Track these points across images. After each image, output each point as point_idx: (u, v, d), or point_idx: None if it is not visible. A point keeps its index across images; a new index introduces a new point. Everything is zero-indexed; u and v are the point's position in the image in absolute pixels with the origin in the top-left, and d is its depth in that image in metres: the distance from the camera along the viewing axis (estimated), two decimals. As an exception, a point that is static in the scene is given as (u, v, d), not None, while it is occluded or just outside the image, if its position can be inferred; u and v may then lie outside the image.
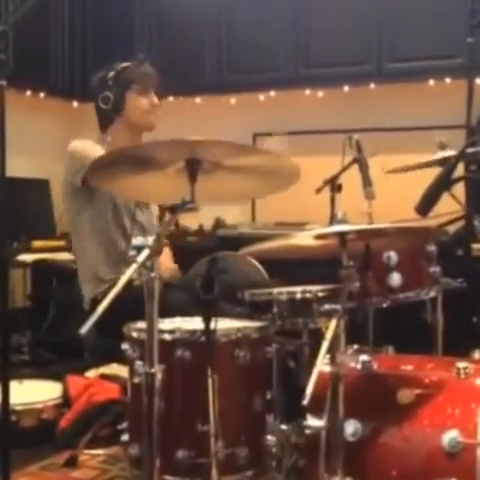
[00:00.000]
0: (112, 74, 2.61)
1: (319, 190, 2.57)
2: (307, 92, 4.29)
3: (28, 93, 4.49)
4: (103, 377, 3.20)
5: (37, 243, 4.17)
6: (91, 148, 2.53)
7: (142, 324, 1.70)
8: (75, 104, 4.90)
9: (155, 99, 2.65)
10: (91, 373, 3.29)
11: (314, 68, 4.13)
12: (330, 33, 4.05)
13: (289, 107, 4.38)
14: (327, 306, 1.72)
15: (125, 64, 2.64)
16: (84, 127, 5.07)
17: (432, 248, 2.17)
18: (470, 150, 2.28)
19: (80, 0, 4.72)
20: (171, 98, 4.59)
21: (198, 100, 4.61)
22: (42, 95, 4.58)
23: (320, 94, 4.28)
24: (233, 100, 4.51)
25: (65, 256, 4.20)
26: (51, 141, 4.89)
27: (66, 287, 4.27)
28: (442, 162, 2.31)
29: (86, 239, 2.57)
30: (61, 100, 4.79)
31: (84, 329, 1.38)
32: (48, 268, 4.19)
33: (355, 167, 2.53)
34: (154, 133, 3.87)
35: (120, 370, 2.80)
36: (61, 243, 4.37)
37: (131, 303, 1.60)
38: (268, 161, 1.74)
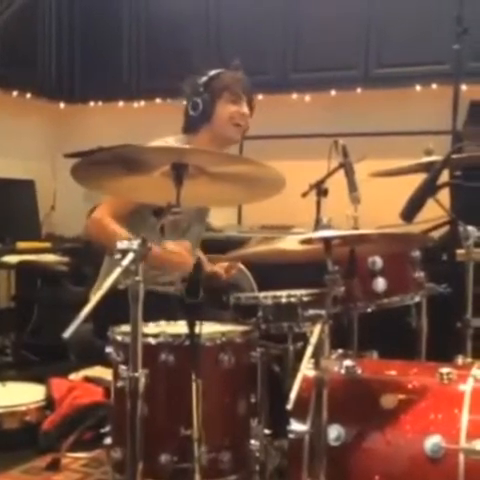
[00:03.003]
0: (204, 79, 2.51)
1: (305, 194, 2.57)
2: (294, 96, 4.29)
3: (15, 93, 4.47)
4: (87, 380, 3.19)
5: (22, 244, 4.15)
6: None
7: (127, 327, 1.69)
8: (62, 105, 4.88)
9: (245, 109, 2.53)
10: (75, 376, 3.28)
11: (302, 72, 4.14)
12: (318, 38, 4.06)
13: (276, 111, 4.38)
14: (312, 311, 1.72)
15: (219, 70, 2.55)
16: (71, 128, 5.09)
17: (416, 253, 2.18)
18: (455, 156, 2.30)
19: (67, 1, 4.70)
20: (158, 100, 4.59)
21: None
22: (29, 96, 4.56)
23: (307, 98, 4.29)
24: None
25: (50, 257, 4.19)
26: (37, 142, 4.87)
27: (50, 289, 4.26)
28: (427, 167, 2.32)
29: None
30: (48, 101, 4.77)
31: (67, 333, 1.38)
32: (33, 269, 4.16)
33: (341, 171, 2.54)
34: (144, 134, 3.84)
35: (104, 373, 2.79)
36: (46, 244, 4.36)
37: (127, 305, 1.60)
38: (253, 169, 1.74)
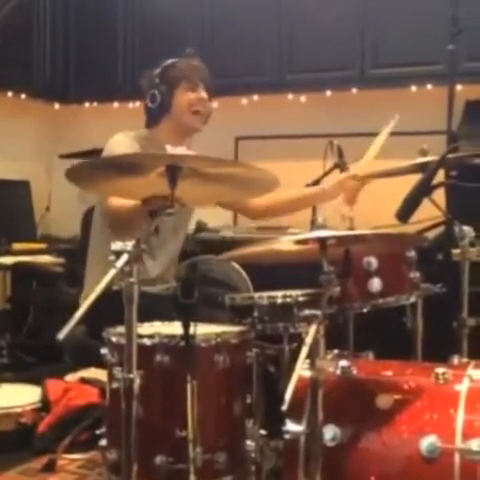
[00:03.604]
0: (159, 70, 2.48)
1: (301, 194, 2.57)
2: (290, 97, 4.29)
3: (9, 94, 4.46)
4: (82, 381, 3.18)
5: (17, 245, 4.14)
6: (123, 145, 2.38)
7: (122, 329, 1.69)
8: (57, 106, 4.87)
9: (203, 94, 2.49)
10: (70, 377, 3.27)
11: (297, 73, 4.13)
12: (313, 39, 4.06)
13: (272, 111, 4.38)
14: (307, 311, 1.71)
15: (173, 60, 2.52)
16: (65, 129, 5.08)
17: (412, 254, 2.18)
18: (450, 156, 2.30)
19: (62, 2, 4.69)
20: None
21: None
22: (23, 96, 4.55)
23: (302, 99, 4.29)
24: (216, 103, 4.50)
25: (45, 259, 4.18)
26: (32, 143, 4.86)
27: (46, 290, 4.25)
28: (422, 167, 2.32)
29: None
30: (43, 102, 4.77)
31: (61, 334, 1.37)
32: (28, 271, 4.16)
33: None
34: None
35: (100, 374, 2.78)
36: (41, 245, 4.35)
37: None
38: (247, 172, 1.73)
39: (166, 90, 2.46)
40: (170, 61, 2.53)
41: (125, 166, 1.67)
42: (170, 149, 2.20)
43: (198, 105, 2.49)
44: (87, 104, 4.83)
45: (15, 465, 2.75)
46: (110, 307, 1.59)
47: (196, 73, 2.51)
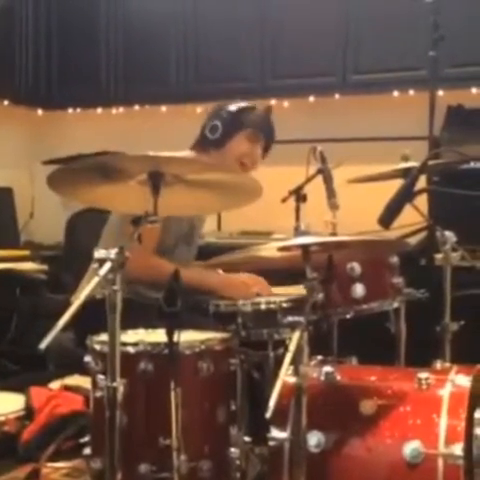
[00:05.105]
0: (235, 108, 2.49)
1: (285, 200, 2.58)
2: (273, 102, 4.30)
3: (-8, 100, 4.45)
4: (66, 388, 3.16)
5: (0, 252, 4.11)
6: None
7: (105, 336, 1.68)
8: (40, 112, 4.85)
9: (258, 151, 2.51)
10: (54, 384, 3.25)
11: (280, 78, 4.15)
12: (296, 44, 4.08)
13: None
14: (291, 318, 1.72)
15: (251, 106, 2.53)
16: (49, 135, 5.06)
17: (394, 259, 2.19)
18: (432, 162, 2.32)
19: (44, 7, 4.67)
20: (137, 106, 4.58)
21: (164, 109, 4.60)
22: (6, 103, 4.52)
23: (285, 104, 4.30)
24: (199, 109, 4.51)
25: (29, 265, 4.15)
26: (15, 149, 4.83)
27: (29, 297, 4.22)
28: (405, 173, 2.34)
29: None
30: (25, 108, 4.74)
31: (43, 344, 1.36)
32: (11, 277, 4.13)
33: (320, 177, 2.55)
34: (120, 140, 3.85)
35: (83, 381, 2.77)
36: (25, 252, 4.32)
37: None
38: (230, 177, 1.74)
39: (229, 129, 2.47)
40: (248, 105, 2.54)
41: (107, 170, 1.66)
42: None
43: (248, 159, 2.51)
44: (70, 110, 4.81)
45: (-1, 474, 2.73)
46: (99, 315, 1.59)
47: (265, 129, 2.53)
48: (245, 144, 2.49)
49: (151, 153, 2.23)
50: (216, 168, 1.90)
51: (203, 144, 2.53)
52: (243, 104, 2.54)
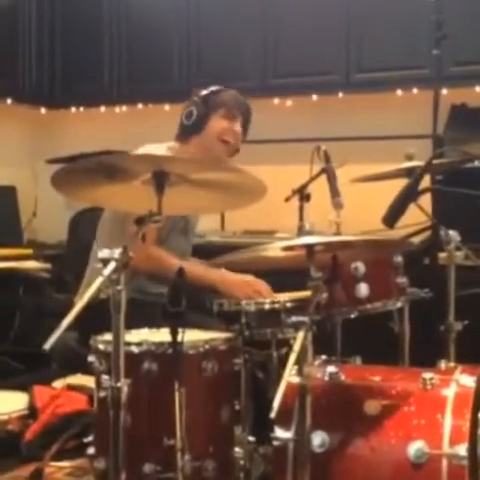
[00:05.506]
0: (205, 92, 2.52)
1: (288, 199, 2.58)
2: (276, 101, 4.30)
3: (-5, 99, 4.44)
4: (70, 388, 3.16)
5: (3, 251, 4.11)
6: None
7: (109, 336, 1.68)
8: (43, 111, 4.85)
9: (237, 127, 2.53)
10: (58, 383, 3.25)
11: (282, 77, 4.14)
12: (298, 43, 4.06)
13: (257, 116, 4.36)
14: (294, 318, 1.71)
15: (222, 88, 2.57)
16: (52, 134, 5.06)
17: (399, 259, 2.19)
18: (436, 161, 2.32)
19: (48, 6, 4.67)
20: (140, 105, 4.58)
21: (167, 107, 4.59)
22: (9, 101, 4.52)
23: (288, 103, 4.30)
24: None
25: (32, 264, 4.15)
26: (18, 148, 4.83)
27: (33, 296, 4.23)
28: (409, 172, 2.33)
29: None
30: (29, 107, 4.74)
31: (47, 345, 1.36)
32: (14, 276, 4.13)
33: (324, 176, 2.54)
34: (123, 139, 3.85)
35: (87, 380, 2.77)
36: (28, 251, 4.32)
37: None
38: (234, 177, 1.74)
39: (203, 111, 2.49)
40: (218, 88, 2.56)
41: (111, 170, 1.66)
42: None
43: (229, 135, 2.52)
44: (73, 109, 4.81)
45: (2, 473, 2.73)
46: (103, 314, 1.59)
47: (238, 106, 2.55)
48: (222, 123, 2.51)
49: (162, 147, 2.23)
50: (220, 168, 1.90)
51: (184, 132, 2.56)
52: (213, 87, 2.56)
